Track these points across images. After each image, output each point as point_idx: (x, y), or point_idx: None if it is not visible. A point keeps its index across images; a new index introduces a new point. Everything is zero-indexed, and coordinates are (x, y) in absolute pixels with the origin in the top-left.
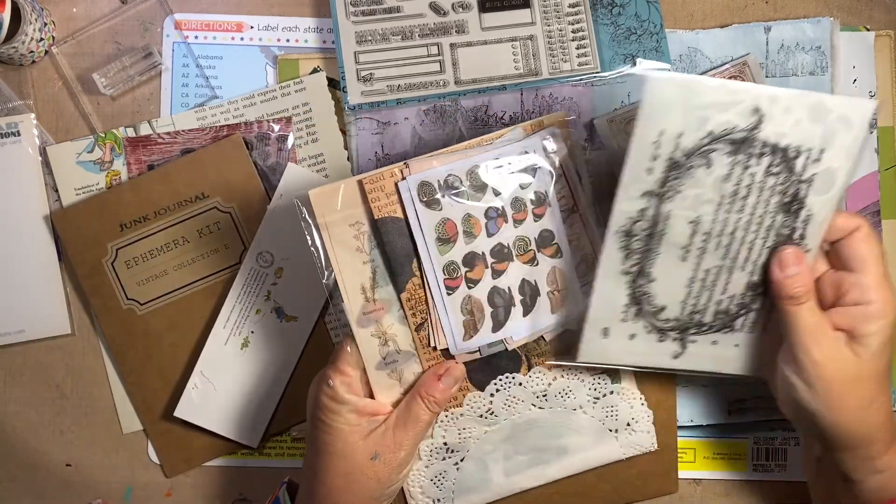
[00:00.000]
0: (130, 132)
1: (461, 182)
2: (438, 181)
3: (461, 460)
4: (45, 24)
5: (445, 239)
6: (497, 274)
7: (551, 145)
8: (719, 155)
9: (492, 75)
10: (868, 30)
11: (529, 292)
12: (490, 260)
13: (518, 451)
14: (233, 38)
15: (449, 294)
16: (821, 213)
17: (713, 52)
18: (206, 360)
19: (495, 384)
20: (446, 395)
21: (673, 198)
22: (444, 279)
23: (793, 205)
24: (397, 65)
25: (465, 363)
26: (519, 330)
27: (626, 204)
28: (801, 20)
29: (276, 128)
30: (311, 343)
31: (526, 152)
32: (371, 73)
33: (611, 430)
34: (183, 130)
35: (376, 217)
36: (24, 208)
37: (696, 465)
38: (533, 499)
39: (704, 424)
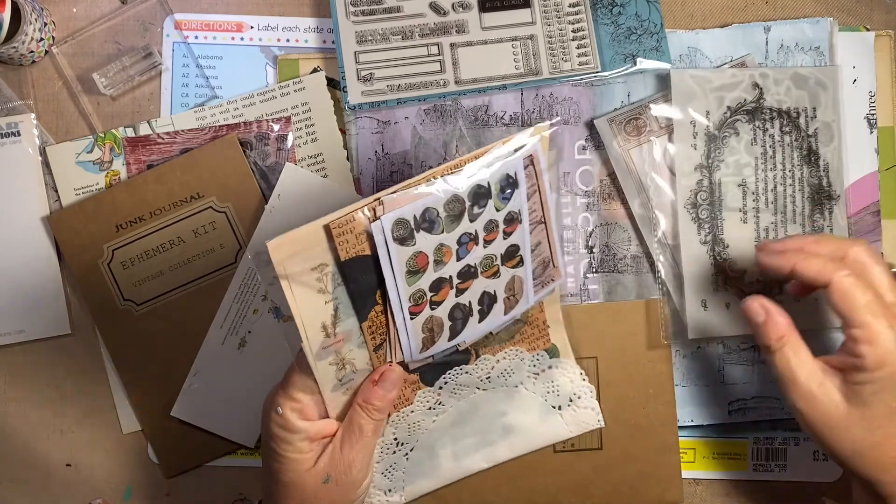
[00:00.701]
0: (130, 132)
1: (438, 213)
2: (415, 216)
3: (410, 450)
4: (45, 24)
5: (415, 271)
6: (460, 292)
7: (531, 163)
8: (741, 124)
9: (492, 75)
10: (868, 30)
11: (487, 301)
12: (456, 281)
13: (465, 433)
14: (233, 38)
15: (412, 318)
16: (833, 160)
17: (713, 52)
18: (203, 360)
19: (444, 378)
20: (386, 400)
21: (719, 167)
22: (410, 307)
23: (811, 156)
24: (397, 64)
25: (417, 367)
26: (473, 334)
27: (685, 179)
28: (801, 20)
29: (276, 127)
30: None
31: (507, 174)
32: (371, 73)
33: (554, 407)
34: (182, 130)
35: (343, 259)
36: (23, 208)
37: (696, 465)
38: (529, 488)
39: (704, 424)
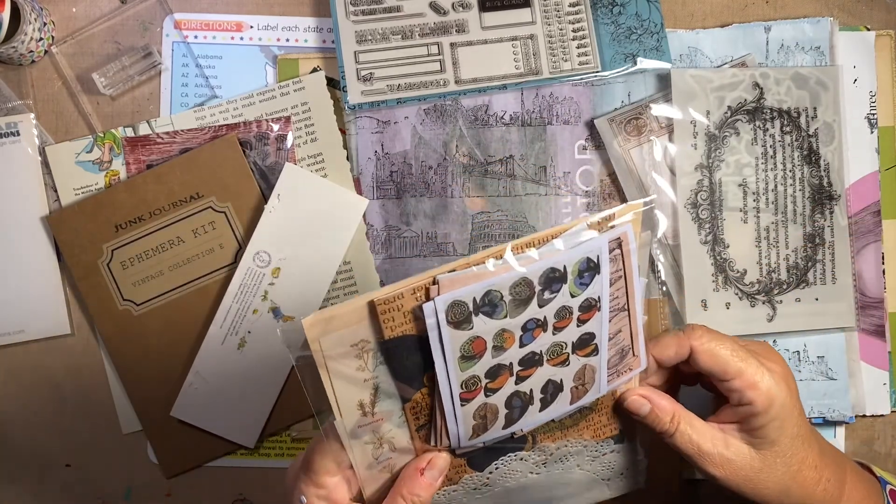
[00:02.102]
0: (129, 132)
1: (502, 297)
2: (474, 298)
3: None
4: (45, 24)
5: (470, 356)
6: (521, 380)
7: (619, 246)
8: (742, 124)
9: (492, 74)
10: (868, 29)
11: (552, 390)
12: (517, 368)
13: None
14: (232, 38)
15: (463, 405)
16: (834, 160)
17: (713, 52)
18: (202, 360)
19: (496, 465)
20: (431, 491)
21: (720, 167)
22: (461, 393)
23: (812, 156)
24: (397, 64)
25: (465, 452)
26: (531, 423)
27: (685, 179)
28: (801, 20)
29: (276, 127)
30: None
31: (588, 258)
32: (371, 73)
33: (603, 480)
34: (182, 130)
35: (387, 337)
36: (23, 208)
37: None
38: None
39: None
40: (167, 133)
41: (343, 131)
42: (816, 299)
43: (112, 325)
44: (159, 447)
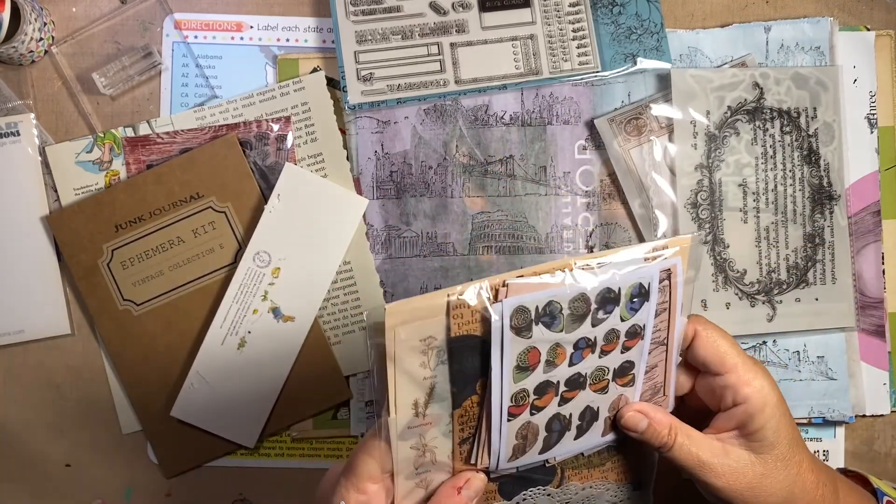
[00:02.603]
0: (129, 132)
1: (561, 310)
2: (537, 307)
3: None
4: (45, 24)
5: (525, 367)
6: (564, 401)
7: (668, 278)
8: (742, 124)
9: (492, 74)
10: (868, 29)
11: (588, 417)
12: (563, 388)
13: None
14: (232, 38)
15: (510, 420)
16: (834, 160)
17: (713, 52)
18: (202, 360)
19: (524, 495)
20: None
21: (719, 167)
22: (510, 406)
23: (811, 156)
24: (397, 64)
25: (497, 477)
26: (565, 451)
27: (685, 179)
28: (801, 20)
29: (276, 127)
30: (309, 343)
31: (641, 283)
32: (371, 73)
33: None
34: (182, 130)
35: (454, 335)
36: (23, 208)
37: None
38: None
39: None
40: (167, 133)
41: (343, 131)
42: (816, 299)
43: (112, 325)
44: (159, 447)
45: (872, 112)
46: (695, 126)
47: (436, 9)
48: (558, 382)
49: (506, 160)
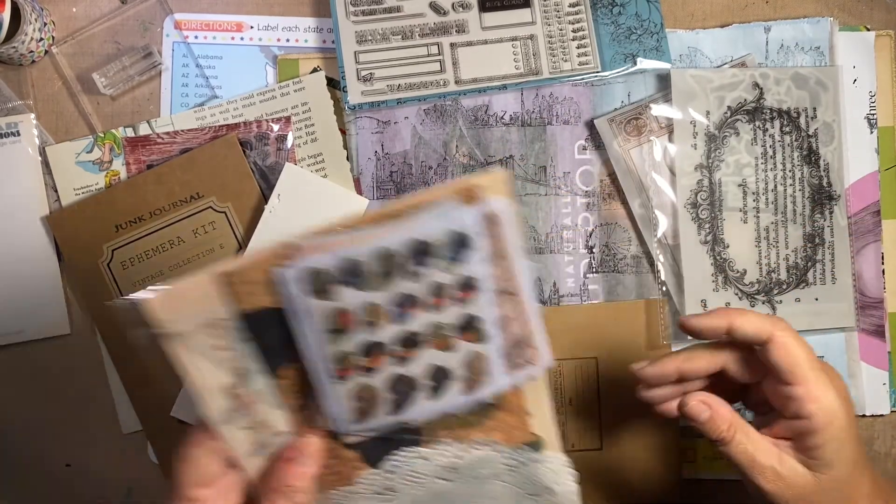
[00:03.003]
0: (130, 132)
1: (365, 268)
2: (335, 268)
3: None
4: (45, 24)
5: (339, 330)
6: (402, 361)
7: (489, 218)
8: (742, 124)
9: (492, 75)
10: (868, 29)
11: (441, 378)
12: (396, 349)
13: None
14: (232, 38)
15: (338, 383)
16: (834, 160)
17: (713, 52)
18: None
19: (392, 460)
20: (306, 480)
21: (719, 167)
22: (336, 369)
23: (811, 156)
24: (397, 64)
25: (355, 441)
26: (423, 412)
27: (685, 179)
28: (801, 20)
29: (276, 127)
30: None
31: (457, 231)
32: (371, 73)
33: (529, 495)
34: (182, 130)
35: (246, 311)
36: (23, 208)
37: (697, 466)
38: None
39: None
40: (167, 133)
41: (343, 131)
42: (816, 299)
43: (112, 325)
44: (160, 447)
45: (872, 112)
46: (695, 126)
47: (436, 9)
48: (388, 342)
49: (506, 160)
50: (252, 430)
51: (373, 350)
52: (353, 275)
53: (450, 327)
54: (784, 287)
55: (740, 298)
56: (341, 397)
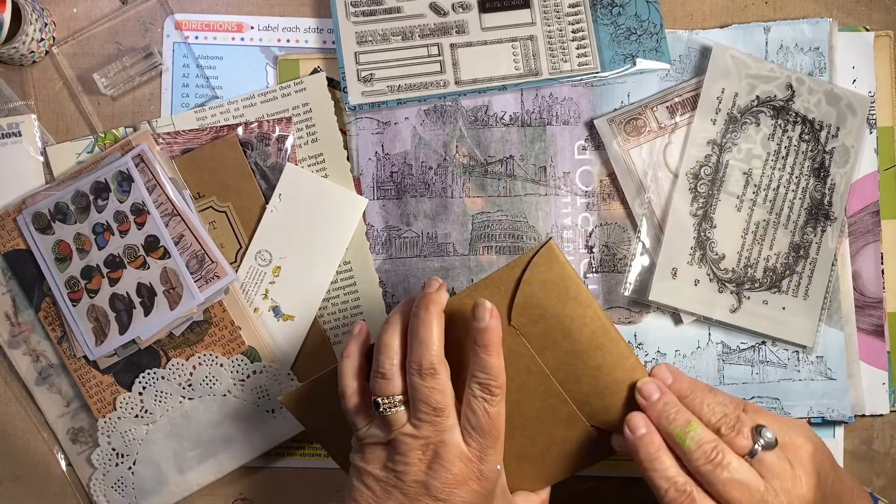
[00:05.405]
0: (130, 132)
1: (68, 206)
2: (49, 209)
3: (133, 464)
4: (46, 25)
5: (62, 258)
6: (113, 282)
7: (141, 160)
8: (765, 117)
9: (492, 75)
10: (867, 30)
11: (147, 294)
12: (105, 270)
13: (185, 447)
14: (233, 39)
15: (74, 305)
16: (840, 184)
17: None
18: None
19: (140, 382)
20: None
21: (731, 149)
22: (68, 293)
23: (821, 171)
24: (398, 65)
25: (108, 367)
26: (145, 329)
27: (695, 149)
28: (800, 21)
29: (277, 128)
30: (309, 342)
31: (120, 170)
32: (371, 74)
33: (268, 412)
34: (183, 131)
35: (2, 252)
36: None
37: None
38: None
39: None
40: (168, 133)
41: (344, 132)
42: (783, 308)
43: None
44: None
45: (872, 112)
46: (720, 102)
47: (436, 10)
48: (99, 265)
49: (506, 160)
50: (31, 356)
51: (92, 273)
52: (61, 213)
53: (139, 248)
54: (756, 285)
55: (710, 280)
56: (80, 317)
